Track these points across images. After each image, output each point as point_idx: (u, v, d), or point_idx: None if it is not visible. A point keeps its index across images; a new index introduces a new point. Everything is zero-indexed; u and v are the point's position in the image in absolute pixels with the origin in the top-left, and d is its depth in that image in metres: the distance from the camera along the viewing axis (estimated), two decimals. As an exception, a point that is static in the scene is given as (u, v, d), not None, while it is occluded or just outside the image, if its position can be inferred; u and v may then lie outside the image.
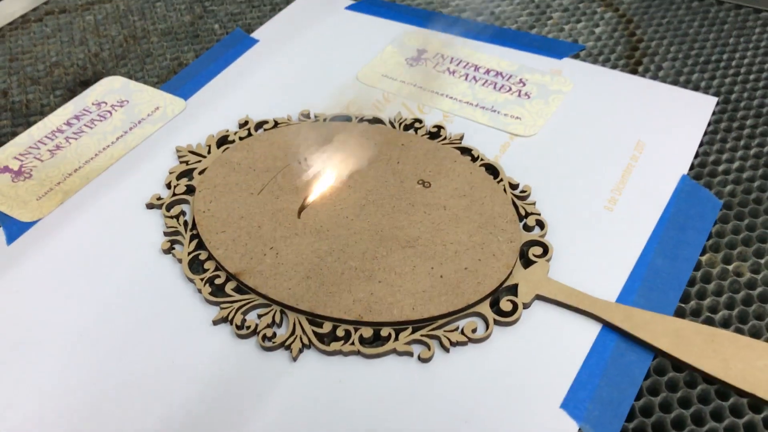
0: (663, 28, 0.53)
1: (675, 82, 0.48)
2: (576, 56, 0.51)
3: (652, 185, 0.41)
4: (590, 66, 0.50)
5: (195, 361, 0.34)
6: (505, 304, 0.35)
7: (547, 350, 0.34)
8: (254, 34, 0.53)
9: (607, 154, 0.43)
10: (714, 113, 0.46)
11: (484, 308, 0.35)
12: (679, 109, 0.46)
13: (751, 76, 0.48)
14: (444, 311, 0.34)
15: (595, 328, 0.34)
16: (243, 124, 0.45)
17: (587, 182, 0.41)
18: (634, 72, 0.49)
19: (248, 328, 0.34)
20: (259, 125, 0.45)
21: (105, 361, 0.34)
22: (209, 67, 0.50)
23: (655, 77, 0.49)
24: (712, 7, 0.55)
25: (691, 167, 0.42)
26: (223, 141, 0.44)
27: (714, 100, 0.46)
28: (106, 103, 0.48)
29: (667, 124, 0.45)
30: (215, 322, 0.35)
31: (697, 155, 0.43)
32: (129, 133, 0.45)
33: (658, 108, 0.46)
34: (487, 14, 0.55)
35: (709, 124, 0.45)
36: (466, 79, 0.48)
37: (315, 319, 0.35)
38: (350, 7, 0.56)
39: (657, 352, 0.33)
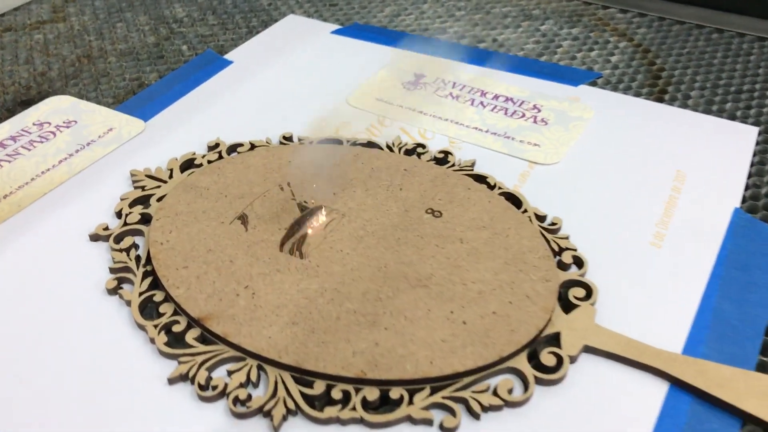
0: (684, 59, 0.48)
1: (707, 111, 0.43)
2: (593, 84, 0.45)
3: (702, 219, 0.34)
4: (611, 94, 0.44)
5: (145, 431, 0.25)
6: (546, 358, 0.27)
7: (605, 416, 0.26)
8: (228, 56, 0.47)
9: (644, 185, 0.36)
10: (757, 143, 0.40)
11: (521, 362, 0.27)
12: (718, 139, 0.40)
13: (791, 107, 0.43)
14: (471, 366, 0.26)
15: (661, 387, 0.27)
16: (213, 147, 0.38)
17: (626, 215, 0.35)
18: (659, 101, 0.44)
19: (215, 388, 0.26)
20: (232, 148, 0.38)
21: (33, 428, 0.25)
22: (174, 88, 0.43)
23: (684, 106, 0.43)
24: (734, 39, 0.50)
25: (743, 200, 0.36)
26: (188, 165, 0.37)
27: (755, 129, 0.41)
28: (49, 123, 0.40)
29: (707, 153, 0.39)
30: (172, 381, 0.27)
31: (747, 187, 0.37)
32: (75, 155, 0.38)
33: (695, 137, 0.40)
34: (489, 41, 0.49)
35: (754, 155, 0.39)
36: (472, 104, 0.42)
37: (303, 377, 0.27)
38: (337, 32, 0.50)
39: (745, 417, 0.26)
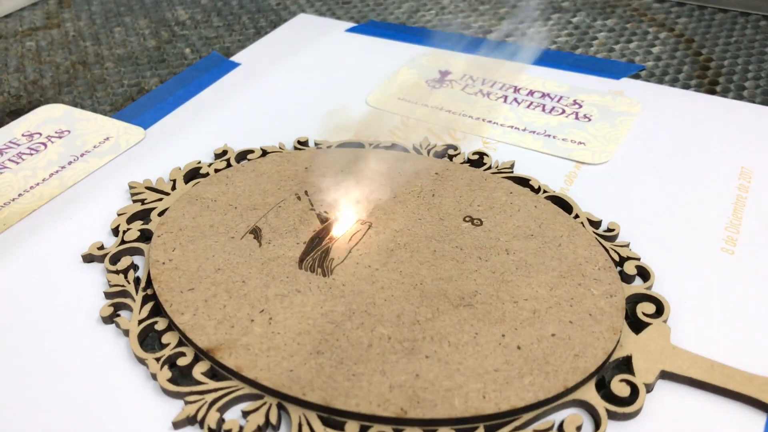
0: (732, 48, 0.44)
1: (765, 103, 0.38)
2: (635, 77, 0.41)
3: (778, 221, 0.30)
4: (657, 86, 0.40)
5: (143, 490, 0.21)
6: (618, 387, 0.23)
7: (696, 457, 0.22)
8: (234, 58, 0.43)
9: (706, 184, 0.32)
10: (828, 135, 0.36)
11: (589, 393, 0.23)
12: (783, 131, 0.36)
13: None
14: (532, 400, 0.22)
15: (758, 420, 0.23)
16: (220, 154, 0.34)
17: (690, 219, 0.30)
18: (711, 92, 0.39)
19: (228, 432, 0.22)
20: (242, 155, 0.34)
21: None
22: (177, 93, 0.40)
23: (739, 98, 0.39)
24: (783, 25, 0.46)
25: (821, 198, 0.32)
26: (193, 174, 0.33)
27: (823, 120, 0.37)
28: (40, 134, 0.36)
29: (773, 148, 0.35)
30: (177, 424, 0.23)
31: (823, 184, 0.33)
32: (68, 168, 0.34)
33: (757, 130, 0.36)
34: (518, 35, 0.45)
35: (826, 148, 0.35)
36: (505, 101, 0.38)
37: (332, 417, 0.22)
38: (352, 29, 0.46)
39: None
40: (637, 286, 0.27)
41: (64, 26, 0.47)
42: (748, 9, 0.48)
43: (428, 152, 0.34)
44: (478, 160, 0.33)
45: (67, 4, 0.50)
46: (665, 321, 0.25)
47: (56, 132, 0.37)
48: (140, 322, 0.26)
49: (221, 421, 0.23)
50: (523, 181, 0.32)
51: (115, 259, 0.29)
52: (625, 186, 0.32)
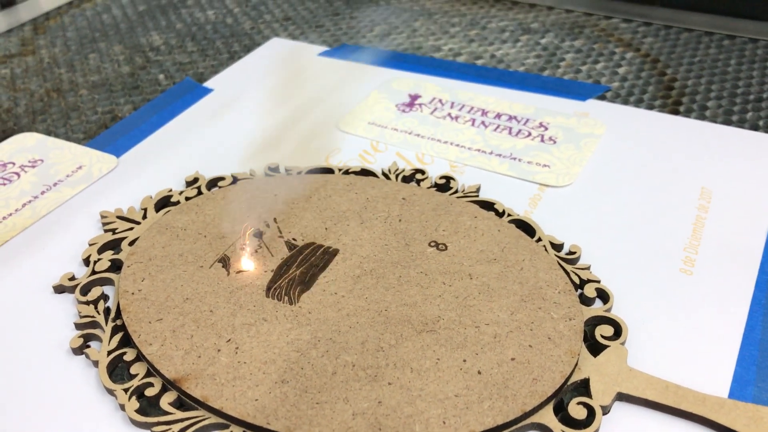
0: (696, 67, 0.45)
1: (727, 122, 0.39)
2: (601, 98, 0.42)
3: (735, 240, 0.31)
4: (622, 107, 0.41)
5: None
6: (575, 410, 0.24)
7: (650, 478, 0.22)
8: (207, 84, 0.44)
9: (667, 205, 0.33)
10: (786, 155, 0.37)
11: (547, 417, 0.24)
12: (744, 151, 0.37)
13: (817, 114, 0.40)
14: (490, 424, 0.23)
15: (711, 440, 0.23)
16: (191, 182, 0.35)
17: (650, 240, 0.31)
18: (675, 113, 0.40)
19: (194, 462, 0.23)
20: (213, 183, 0.35)
21: None
22: (150, 120, 0.40)
23: (701, 118, 0.40)
24: (746, 45, 0.47)
25: (778, 218, 0.33)
26: (164, 203, 0.34)
27: (782, 139, 0.37)
28: (13, 164, 0.37)
29: (733, 167, 0.35)
30: (143, 456, 0.23)
31: (781, 203, 0.34)
32: (40, 198, 0.34)
33: (718, 150, 0.37)
34: (487, 57, 0.46)
35: (784, 167, 0.36)
36: (473, 124, 0.39)
37: (296, 445, 0.23)
38: (324, 53, 0.47)
39: (813, 474, 0.22)
40: (597, 308, 0.27)
41: (39, 53, 0.48)
42: (712, 28, 0.49)
43: (396, 177, 0.34)
44: (444, 184, 0.34)
45: (42, 30, 0.51)
46: (623, 343, 0.26)
47: (29, 161, 0.37)
48: (109, 353, 0.26)
49: (187, 451, 0.23)
50: (488, 205, 0.32)
51: (85, 289, 0.29)
52: (587, 208, 0.33)
